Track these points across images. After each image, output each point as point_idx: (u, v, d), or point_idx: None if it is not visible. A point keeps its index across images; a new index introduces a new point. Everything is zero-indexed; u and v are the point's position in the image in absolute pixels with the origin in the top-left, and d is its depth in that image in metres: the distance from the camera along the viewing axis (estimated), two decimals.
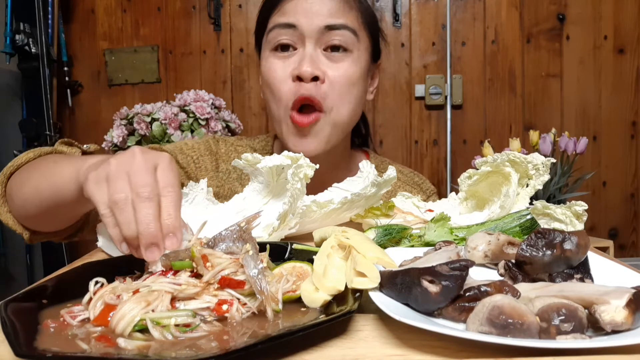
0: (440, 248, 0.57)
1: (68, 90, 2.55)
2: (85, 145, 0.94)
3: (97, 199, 0.57)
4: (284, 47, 0.99)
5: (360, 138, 1.24)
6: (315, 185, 0.82)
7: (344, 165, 1.12)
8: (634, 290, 0.41)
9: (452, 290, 0.43)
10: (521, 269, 0.51)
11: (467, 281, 0.45)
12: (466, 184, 0.86)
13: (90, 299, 0.48)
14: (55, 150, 0.87)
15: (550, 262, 0.49)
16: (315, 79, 0.96)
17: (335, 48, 0.98)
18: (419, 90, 2.47)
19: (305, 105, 0.99)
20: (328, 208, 0.78)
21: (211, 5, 2.52)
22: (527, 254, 0.50)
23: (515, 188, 0.78)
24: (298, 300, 0.49)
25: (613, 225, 2.46)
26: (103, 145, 2.01)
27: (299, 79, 0.96)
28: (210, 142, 1.11)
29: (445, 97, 2.45)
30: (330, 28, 0.97)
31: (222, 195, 1.07)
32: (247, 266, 0.48)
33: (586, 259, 0.51)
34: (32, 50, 2.23)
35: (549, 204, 0.77)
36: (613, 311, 0.40)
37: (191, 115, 2.02)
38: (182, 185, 1.01)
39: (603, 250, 1.65)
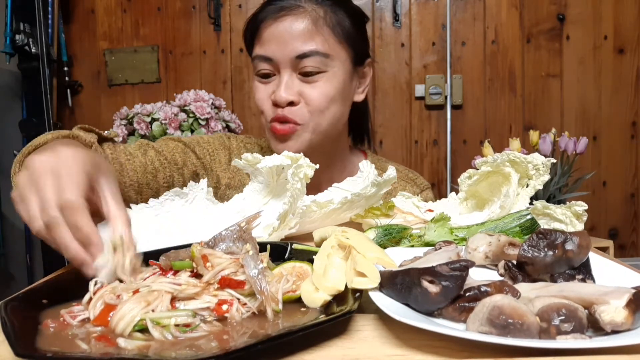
0: (440, 248, 0.57)
1: (68, 90, 2.55)
2: (106, 132, 0.96)
3: (27, 223, 0.57)
4: (264, 76, 1.08)
5: (358, 134, 1.27)
6: (311, 185, 0.82)
7: (339, 166, 1.18)
8: (633, 291, 0.41)
9: (452, 291, 0.43)
10: (522, 270, 0.51)
11: (467, 281, 0.45)
12: (466, 184, 0.86)
13: (90, 298, 0.48)
14: (72, 135, 0.88)
15: (551, 263, 0.49)
16: (290, 103, 1.04)
17: (308, 73, 1.04)
18: (419, 90, 2.47)
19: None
20: (328, 208, 0.78)
21: (211, 5, 2.51)
22: (529, 255, 0.50)
23: (515, 188, 0.78)
24: (298, 300, 0.49)
25: (613, 225, 2.46)
26: None
27: (276, 104, 1.05)
28: (224, 138, 1.20)
29: (445, 97, 2.45)
30: (301, 57, 1.02)
31: (233, 186, 1.15)
32: (247, 266, 0.48)
33: (587, 260, 0.51)
34: (32, 50, 2.23)
35: (548, 204, 0.77)
36: (613, 311, 0.40)
37: (191, 115, 2.02)
38: (197, 175, 1.09)
39: (603, 250, 1.65)
